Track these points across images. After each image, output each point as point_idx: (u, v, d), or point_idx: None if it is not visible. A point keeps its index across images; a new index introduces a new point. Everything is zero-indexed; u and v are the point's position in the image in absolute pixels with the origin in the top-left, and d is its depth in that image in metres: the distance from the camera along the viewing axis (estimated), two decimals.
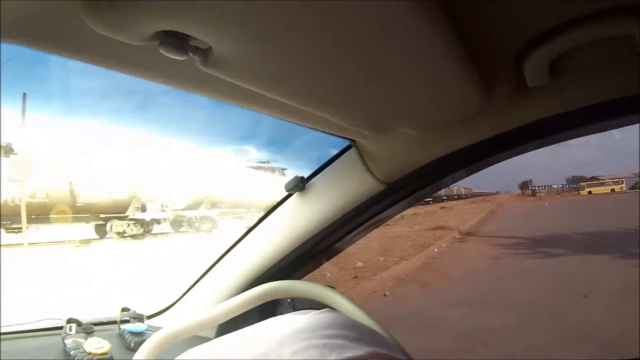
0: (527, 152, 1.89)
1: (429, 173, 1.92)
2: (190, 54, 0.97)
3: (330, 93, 1.32)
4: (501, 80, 1.51)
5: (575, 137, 1.87)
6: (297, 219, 2.08)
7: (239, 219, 29.67)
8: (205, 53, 0.99)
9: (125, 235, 24.03)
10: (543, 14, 1.26)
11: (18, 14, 0.96)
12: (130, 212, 24.63)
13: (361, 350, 1.11)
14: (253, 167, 34.11)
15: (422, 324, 8.70)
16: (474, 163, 1.90)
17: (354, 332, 1.20)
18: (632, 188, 63.15)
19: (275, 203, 2.18)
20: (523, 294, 11.67)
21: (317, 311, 1.29)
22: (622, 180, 64.46)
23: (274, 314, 1.46)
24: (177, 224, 27.28)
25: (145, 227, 25.18)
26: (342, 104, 1.41)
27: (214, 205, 28.74)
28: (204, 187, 28.34)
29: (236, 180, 30.45)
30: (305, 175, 2.06)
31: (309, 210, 2.05)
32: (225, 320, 1.71)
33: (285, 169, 32.77)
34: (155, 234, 25.78)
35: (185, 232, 26.93)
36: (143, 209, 25.28)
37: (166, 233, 26.55)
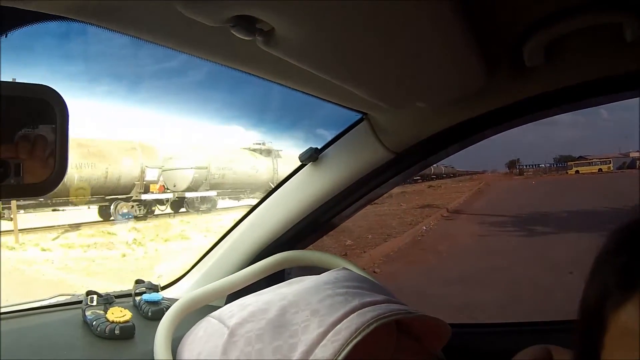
0: (520, 125, 2.01)
1: (434, 143, 2.03)
2: (256, 35, 1.12)
3: (363, 69, 1.47)
4: (503, 60, 1.63)
5: (566, 112, 2.01)
6: (309, 188, 2.16)
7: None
8: (268, 34, 1.13)
9: None
10: (541, 3, 1.41)
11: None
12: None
13: (378, 297, 1.23)
14: None
15: (411, 300, 8.71)
16: (474, 135, 2.03)
17: (369, 285, 1.32)
18: (619, 168, 62.84)
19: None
20: (510, 271, 11.70)
21: (334, 269, 1.39)
22: (610, 160, 63.79)
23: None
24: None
25: None
26: (369, 78, 1.55)
27: None
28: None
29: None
30: (319, 147, 2.13)
31: (321, 179, 2.13)
32: (240, 288, 1.80)
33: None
34: None
35: None
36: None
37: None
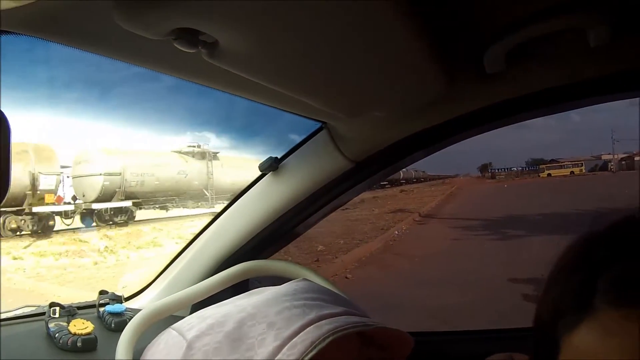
0: (483, 133, 2.01)
1: (395, 152, 2.02)
2: (200, 47, 1.09)
3: (314, 80, 1.45)
4: (462, 67, 1.61)
5: (528, 119, 2.01)
6: (270, 198, 2.15)
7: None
8: (211, 46, 1.11)
9: None
10: (502, 10, 1.39)
11: (51, 11, 1.08)
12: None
13: (336, 309, 1.22)
14: None
15: (383, 305, 8.77)
16: (436, 143, 2.02)
17: (329, 296, 1.31)
18: (591, 170, 63.54)
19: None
20: (483, 274, 11.77)
21: (294, 280, 1.39)
22: (582, 163, 64.49)
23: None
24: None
25: None
26: (322, 89, 1.53)
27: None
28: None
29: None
30: (279, 156, 2.11)
31: (281, 189, 2.12)
32: (203, 298, 1.80)
33: None
34: None
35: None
36: None
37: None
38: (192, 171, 29.09)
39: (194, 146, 30.85)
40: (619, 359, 0.74)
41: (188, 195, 28.83)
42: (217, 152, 31.27)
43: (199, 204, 28.79)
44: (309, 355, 1.08)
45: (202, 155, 30.23)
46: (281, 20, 1.07)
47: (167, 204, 28.25)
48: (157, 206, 28.00)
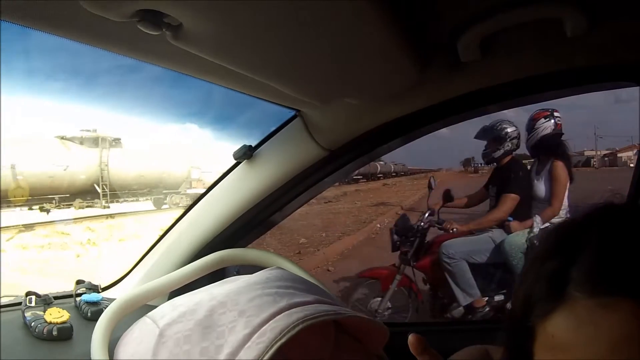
0: (459, 122, 2.01)
1: (369, 141, 2.03)
2: (164, 30, 1.08)
3: (283, 65, 1.43)
4: (436, 55, 1.60)
5: (503, 109, 2.00)
6: (244, 186, 2.14)
7: None
8: (176, 29, 1.09)
9: None
10: None
11: None
12: None
13: (308, 298, 1.21)
14: None
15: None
16: (411, 132, 2.03)
17: (302, 285, 1.31)
18: (574, 166, 63.88)
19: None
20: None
21: (268, 268, 1.38)
22: None
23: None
24: None
25: None
26: (293, 75, 1.52)
27: None
28: None
29: None
30: (253, 144, 2.11)
31: (256, 177, 2.12)
32: (179, 286, 1.79)
33: None
34: None
35: None
36: None
37: None
38: (77, 162, 24.31)
39: (87, 130, 25.70)
40: (594, 347, 0.74)
41: (73, 191, 24.27)
42: (119, 139, 26.25)
43: (93, 202, 25.27)
44: (279, 343, 1.07)
45: (93, 143, 25.35)
46: (246, 3, 1.05)
47: (44, 205, 22.79)
48: (34, 207, 22.62)
